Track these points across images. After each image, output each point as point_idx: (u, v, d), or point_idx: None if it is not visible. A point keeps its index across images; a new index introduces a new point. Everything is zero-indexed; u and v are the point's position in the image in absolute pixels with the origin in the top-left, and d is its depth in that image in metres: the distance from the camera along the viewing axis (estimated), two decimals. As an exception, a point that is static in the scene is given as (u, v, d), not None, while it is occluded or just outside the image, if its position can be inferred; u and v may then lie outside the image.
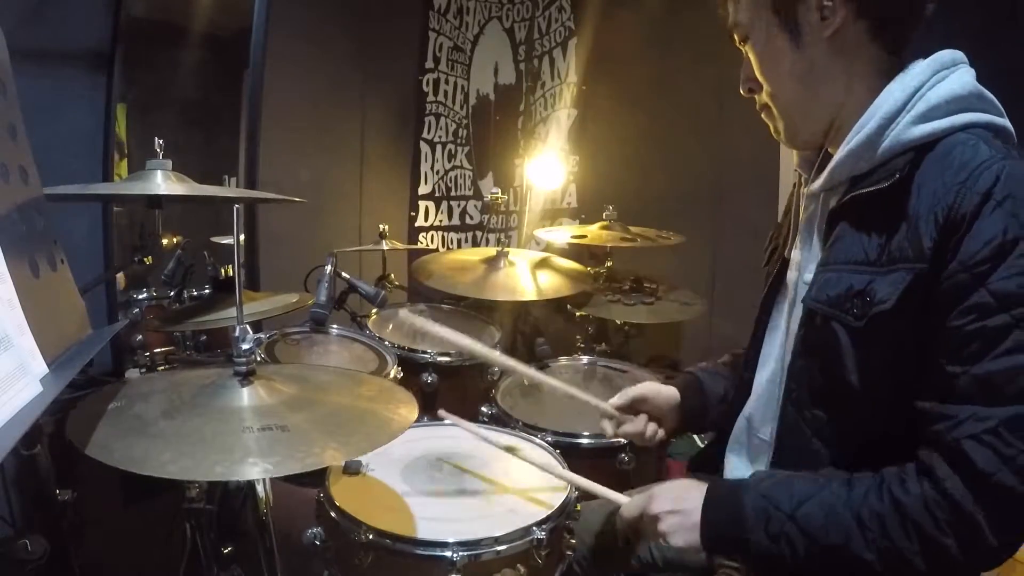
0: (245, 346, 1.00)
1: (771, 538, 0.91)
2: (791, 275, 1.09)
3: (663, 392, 1.29)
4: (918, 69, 0.91)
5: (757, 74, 1.00)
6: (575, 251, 2.66)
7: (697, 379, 1.31)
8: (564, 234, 2.58)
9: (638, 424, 1.28)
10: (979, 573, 0.91)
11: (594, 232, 2.51)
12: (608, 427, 1.30)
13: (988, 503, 0.80)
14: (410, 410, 1.08)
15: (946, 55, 0.92)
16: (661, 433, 1.29)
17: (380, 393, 1.14)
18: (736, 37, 1.01)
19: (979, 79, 0.92)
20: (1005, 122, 0.90)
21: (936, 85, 0.89)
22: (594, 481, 1.18)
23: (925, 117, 0.88)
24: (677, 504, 1.00)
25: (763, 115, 1.05)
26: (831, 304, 0.94)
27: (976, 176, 0.82)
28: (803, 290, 1.01)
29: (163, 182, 1.34)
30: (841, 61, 0.94)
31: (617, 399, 1.29)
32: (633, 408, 1.29)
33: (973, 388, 0.81)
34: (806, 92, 0.97)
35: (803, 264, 1.05)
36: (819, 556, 0.89)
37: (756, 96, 1.03)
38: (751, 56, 1.00)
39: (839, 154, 0.95)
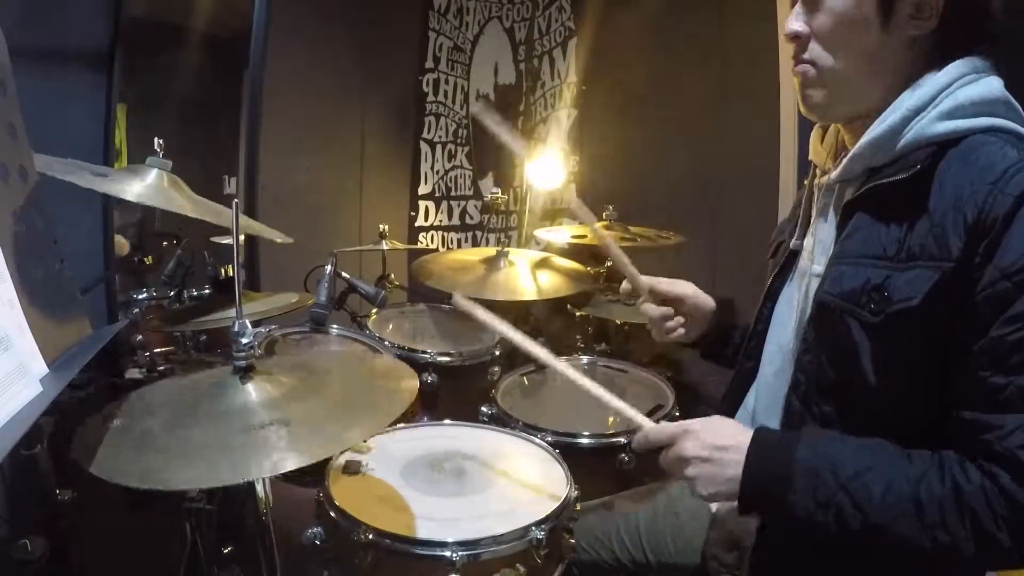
0: (245, 340, 1.00)
1: (818, 504, 0.86)
2: (802, 264, 1.08)
3: (702, 297, 1.31)
4: (948, 69, 0.91)
5: (822, 32, 0.94)
6: (575, 251, 2.66)
7: (734, 304, 1.30)
8: (564, 234, 2.58)
9: (665, 312, 1.31)
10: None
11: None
12: (647, 305, 1.34)
13: None
14: (410, 384, 1.07)
15: (978, 61, 0.91)
16: (680, 332, 1.32)
17: (380, 372, 1.14)
18: None
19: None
20: None
21: (966, 86, 0.89)
22: (594, 480, 1.18)
23: (950, 115, 0.88)
24: (714, 452, 0.94)
25: (796, 73, 0.98)
26: (845, 298, 0.92)
27: (1008, 178, 0.82)
28: (814, 282, 1.00)
29: (156, 183, 1.33)
30: (908, 59, 0.93)
31: (664, 285, 1.32)
32: (669, 302, 1.32)
33: (1021, 398, 0.80)
34: (865, 72, 0.94)
35: (815, 255, 1.04)
36: (866, 533, 0.85)
37: (797, 45, 0.97)
38: (824, 11, 0.93)
39: (859, 144, 0.94)
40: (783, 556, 1.01)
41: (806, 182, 1.13)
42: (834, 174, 0.99)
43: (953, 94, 0.89)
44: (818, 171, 1.08)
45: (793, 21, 0.96)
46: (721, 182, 3.02)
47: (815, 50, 0.95)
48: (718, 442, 0.95)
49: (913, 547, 0.83)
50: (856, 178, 0.97)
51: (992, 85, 0.90)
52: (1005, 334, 0.81)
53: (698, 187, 3.08)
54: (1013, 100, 0.91)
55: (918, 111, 0.90)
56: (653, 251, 2.44)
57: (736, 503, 0.93)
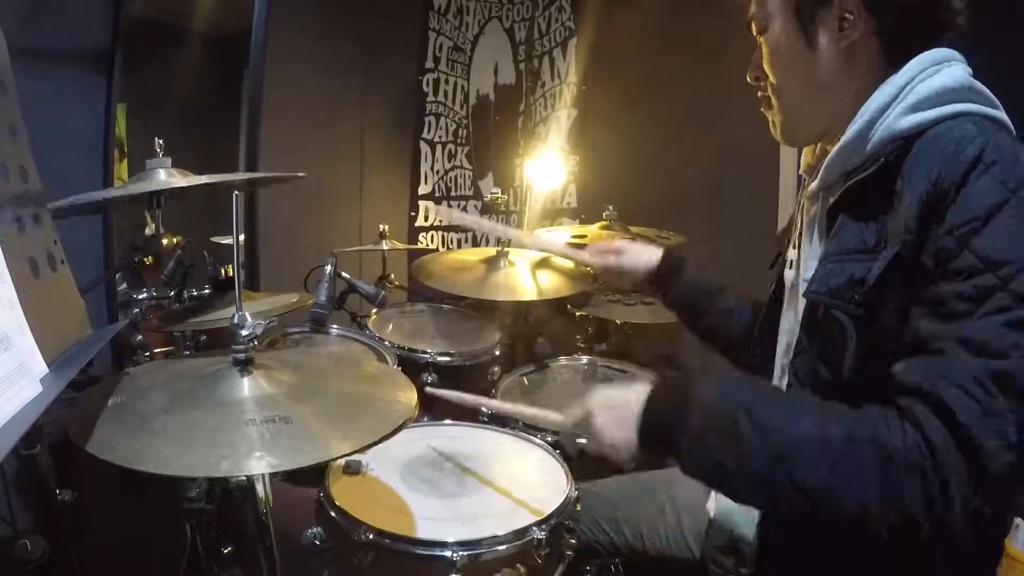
0: (244, 332, 0.99)
1: (715, 426, 0.86)
2: (788, 274, 1.10)
3: (641, 250, 1.49)
4: (909, 66, 0.92)
5: (766, 67, 1.02)
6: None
7: (686, 263, 1.44)
8: (564, 234, 2.58)
9: (607, 262, 1.51)
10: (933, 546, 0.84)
11: (594, 232, 2.50)
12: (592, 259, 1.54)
13: (964, 454, 0.76)
14: (409, 395, 1.08)
15: (939, 52, 0.92)
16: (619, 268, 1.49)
17: (379, 378, 1.14)
18: (753, 27, 1.03)
19: (981, 76, 0.92)
20: (998, 113, 0.90)
21: (928, 79, 0.90)
22: (594, 480, 1.18)
23: (915, 108, 0.89)
24: (613, 400, 0.99)
25: (763, 107, 1.07)
26: (832, 295, 0.94)
27: (962, 148, 0.83)
28: (803, 287, 1.01)
29: (166, 177, 1.34)
30: (849, 70, 0.96)
31: (603, 244, 1.52)
32: (611, 254, 1.50)
33: (956, 345, 0.80)
34: (809, 93, 1.00)
35: (804, 262, 1.05)
36: (764, 465, 0.83)
37: (760, 87, 1.06)
38: (764, 49, 1.02)
39: (832, 151, 0.97)
40: (786, 552, 1.01)
41: (798, 195, 1.15)
42: (814, 184, 1.02)
43: (916, 88, 0.90)
44: (806, 181, 1.10)
45: (750, 70, 1.06)
46: (721, 182, 3.02)
47: (769, 85, 1.03)
48: (621, 393, 0.99)
49: (814, 481, 0.80)
50: (836, 184, 0.99)
51: (955, 73, 0.91)
52: (947, 288, 0.81)
53: (698, 187, 3.08)
54: (978, 84, 0.91)
55: (883, 110, 0.91)
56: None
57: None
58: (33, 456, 1.00)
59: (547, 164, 3.14)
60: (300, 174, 1.50)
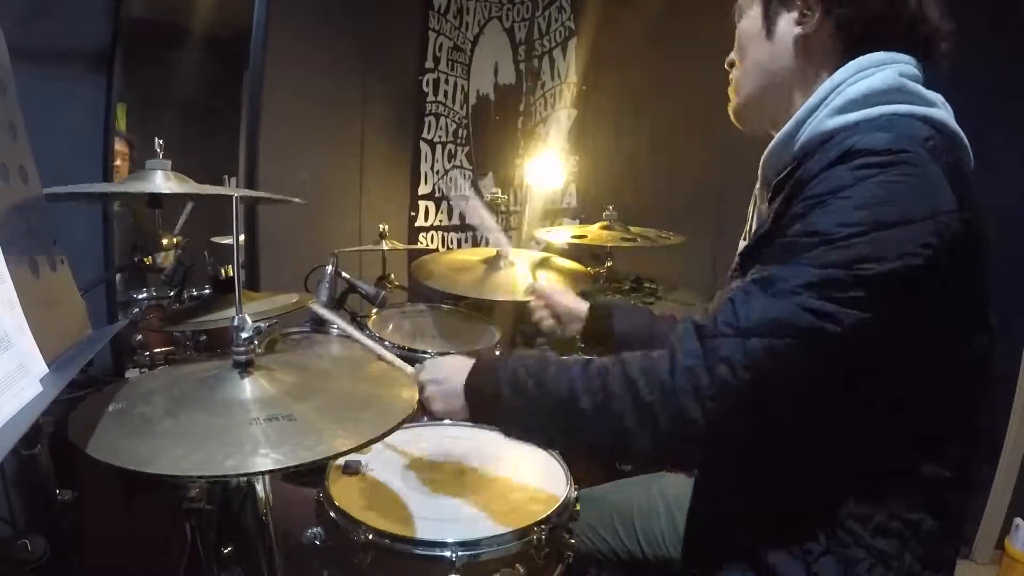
0: (245, 335, 1.00)
1: (507, 383, 0.98)
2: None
3: (575, 303, 1.51)
4: (847, 67, 0.92)
5: (734, 52, 1.07)
6: (575, 251, 2.66)
7: (609, 313, 1.47)
8: (564, 234, 2.58)
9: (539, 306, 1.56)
10: (684, 463, 0.99)
11: (594, 232, 2.50)
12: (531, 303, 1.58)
13: (704, 363, 0.84)
14: (411, 393, 1.08)
15: (879, 55, 0.92)
16: (551, 323, 1.54)
17: (380, 377, 1.15)
18: (735, 15, 1.07)
19: (963, 84, 0.94)
20: (930, 111, 0.90)
21: (858, 81, 0.91)
22: (593, 480, 1.18)
23: (841, 110, 0.90)
24: (439, 373, 1.10)
25: (728, 89, 1.10)
26: (727, 282, 1.01)
27: (843, 141, 0.86)
28: None
29: (163, 181, 1.34)
30: (803, 66, 0.98)
31: (546, 290, 1.57)
32: (547, 301, 1.56)
33: (755, 280, 0.86)
34: (763, 81, 1.02)
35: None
36: (548, 406, 0.95)
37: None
38: (738, 35, 1.06)
39: (767, 152, 0.99)
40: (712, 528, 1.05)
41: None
42: (757, 184, 1.08)
43: (844, 91, 0.91)
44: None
45: (730, 56, 1.09)
46: (721, 182, 3.02)
47: (736, 68, 1.08)
48: (446, 365, 1.11)
49: (581, 411, 0.91)
50: (772, 180, 1.00)
51: (885, 75, 0.90)
52: (778, 240, 0.88)
53: (698, 187, 3.08)
54: (910, 84, 0.91)
55: (811, 111, 0.93)
56: (653, 251, 2.44)
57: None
58: (33, 456, 1.00)
59: (547, 164, 3.15)
60: (298, 200, 1.51)
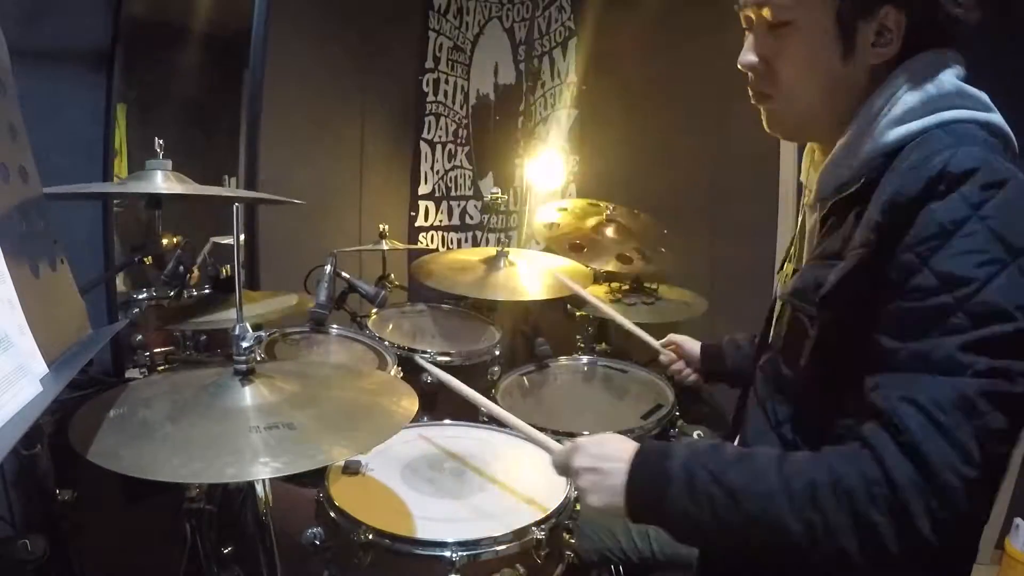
0: (245, 344, 1.00)
1: (693, 500, 0.86)
2: (778, 288, 1.11)
3: (687, 344, 1.63)
4: (896, 73, 0.90)
5: (777, 60, 0.95)
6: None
7: (720, 347, 1.55)
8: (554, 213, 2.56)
9: (673, 357, 1.65)
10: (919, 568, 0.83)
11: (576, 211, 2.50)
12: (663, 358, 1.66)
13: (922, 476, 0.75)
14: (411, 402, 1.08)
15: (930, 56, 0.90)
16: (690, 374, 1.63)
17: (380, 386, 1.15)
18: (766, 13, 0.94)
19: (978, 81, 0.91)
20: (991, 116, 0.88)
21: (912, 88, 0.89)
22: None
23: (901, 120, 0.88)
24: (597, 461, 0.96)
25: (754, 99, 1.02)
26: (797, 296, 0.96)
27: (926, 162, 0.82)
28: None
29: (163, 182, 1.34)
30: (869, 84, 0.93)
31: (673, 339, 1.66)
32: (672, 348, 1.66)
33: (913, 361, 0.80)
34: (826, 99, 0.95)
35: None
36: (740, 523, 0.83)
37: (754, 75, 0.99)
38: (785, 43, 0.94)
39: (824, 166, 0.95)
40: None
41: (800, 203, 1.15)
42: (811, 196, 1.01)
43: (901, 99, 0.88)
44: (806, 191, 1.09)
45: (747, 52, 0.97)
46: (721, 182, 3.02)
47: (775, 82, 0.97)
48: (604, 454, 0.96)
49: (790, 533, 0.80)
50: (829, 196, 0.97)
51: (940, 80, 0.88)
52: (905, 304, 0.81)
53: (698, 187, 3.08)
54: (968, 88, 0.89)
55: (869, 121, 0.90)
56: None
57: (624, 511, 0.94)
58: (33, 456, 1.00)
59: (547, 164, 3.15)
60: (298, 200, 1.51)
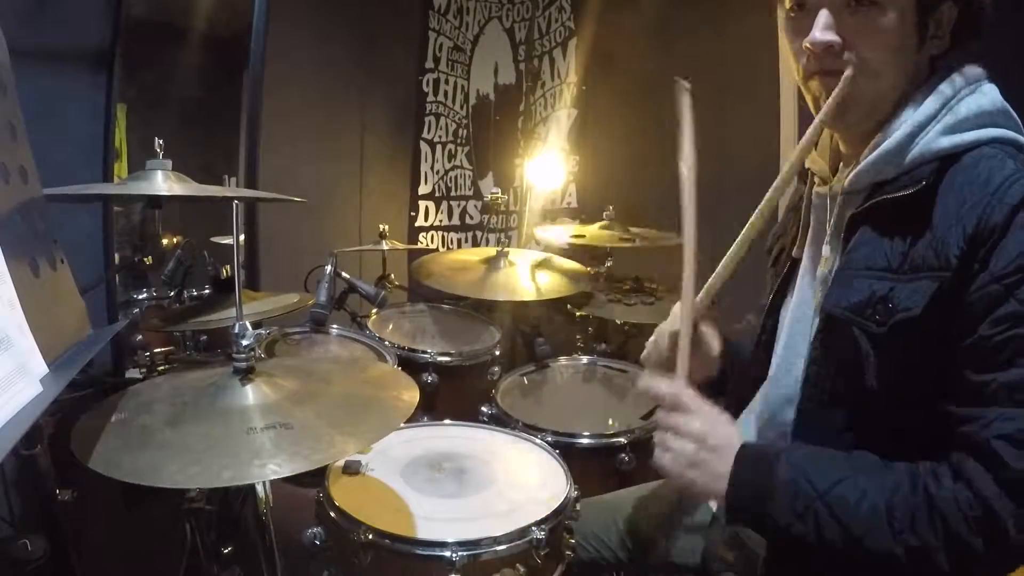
0: (245, 342, 1.00)
1: (797, 515, 0.88)
2: (803, 279, 1.08)
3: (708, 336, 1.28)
4: (953, 80, 0.91)
5: (863, 42, 0.90)
6: (575, 251, 2.66)
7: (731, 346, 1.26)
8: (564, 234, 2.57)
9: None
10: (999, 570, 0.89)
11: (594, 232, 2.51)
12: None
13: (1017, 501, 0.79)
14: (411, 395, 1.08)
15: (976, 70, 0.92)
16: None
17: (380, 379, 1.15)
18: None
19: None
20: (1019, 138, 0.90)
21: (966, 98, 0.90)
22: (594, 480, 1.17)
23: (953, 129, 0.89)
24: (703, 446, 0.93)
25: (820, 79, 0.95)
26: (852, 310, 0.93)
27: (1005, 189, 0.84)
28: (817, 295, 1.01)
29: (163, 182, 1.34)
30: (929, 76, 0.94)
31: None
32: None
33: (1003, 393, 0.82)
34: (901, 83, 0.94)
35: (817, 268, 1.04)
36: (843, 543, 0.86)
37: (827, 54, 0.92)
38: (869, 23, 0.89)
39: (869, 159, 0.94)
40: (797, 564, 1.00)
41: (800, 189, 1.13)
42: (838, 186, 0.99)
43: (954, 108, 0.90)
44: (816, 179, 1.07)
45: (825, 31, 0.91)
46: (721, 182, 3.01)
47: (856, 61, 0.91)
48: (711, 439, 0.94)
49: (887, 554, 0.85)
50: (861, 191, 0.97)
51: (992, 95, 0.91)
52: (992, 334, 0.83)
53: (698, 187, 3.08)
54: (1010, 109, 0.92)
55: (923, 126, 0.90)
56: (653, 251, 2.44)
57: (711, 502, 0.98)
58: (33, 456, 1.00)
59: (547, 164, 3.14)
60: (300, 199, 1.51)
